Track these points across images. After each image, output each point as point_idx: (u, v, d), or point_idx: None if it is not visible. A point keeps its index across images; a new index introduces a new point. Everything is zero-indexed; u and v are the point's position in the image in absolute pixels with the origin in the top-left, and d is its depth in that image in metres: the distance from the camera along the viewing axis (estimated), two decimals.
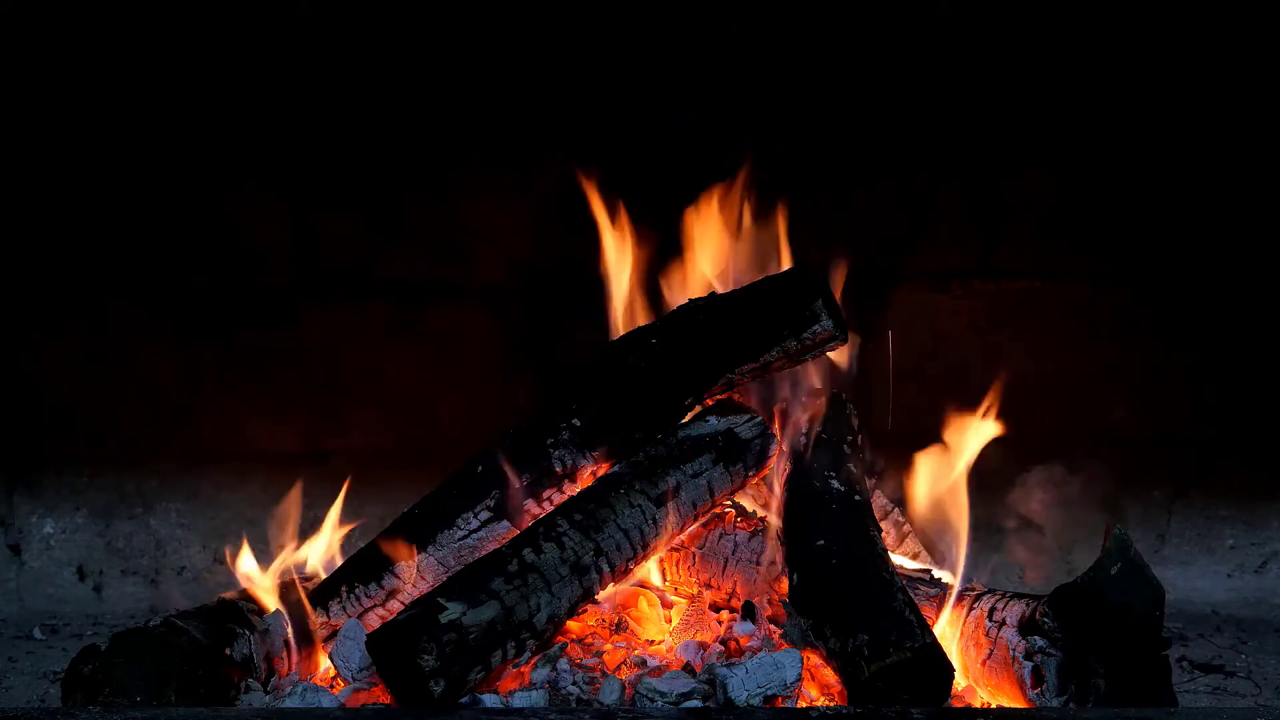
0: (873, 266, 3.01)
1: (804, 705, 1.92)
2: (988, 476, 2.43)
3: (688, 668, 2.03)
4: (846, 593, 1.97)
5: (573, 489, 2.25)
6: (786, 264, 2.41)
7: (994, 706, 1.99)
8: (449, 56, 2.96)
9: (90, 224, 2.99)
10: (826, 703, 1.98)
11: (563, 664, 2.01)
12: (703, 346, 2.25)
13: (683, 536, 2.27)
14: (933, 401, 2.48)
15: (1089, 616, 1.87)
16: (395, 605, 2.19)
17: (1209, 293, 3.03)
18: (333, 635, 2.18)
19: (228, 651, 2.02)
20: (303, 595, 2.20)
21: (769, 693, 1.90)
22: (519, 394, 2.82)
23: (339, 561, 2.35)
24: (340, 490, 2.44)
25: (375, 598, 2.22)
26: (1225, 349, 3.05)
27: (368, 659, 1.98)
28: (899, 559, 2.37)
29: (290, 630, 2.15)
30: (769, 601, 2.23)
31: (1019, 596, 2.05)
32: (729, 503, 2.32)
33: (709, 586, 2.31)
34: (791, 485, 2.26)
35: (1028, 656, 1.92)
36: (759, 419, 2.29)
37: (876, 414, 2.65)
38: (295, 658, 2.16)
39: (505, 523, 2.22)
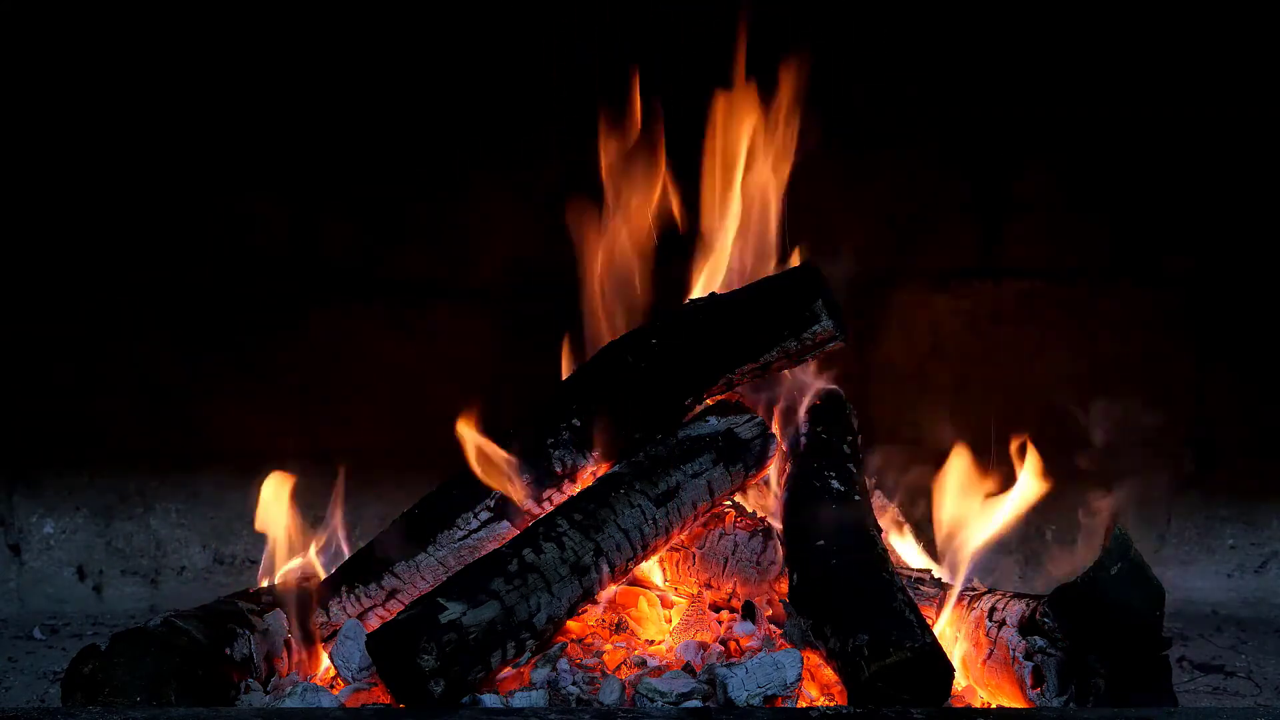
0: (873, 266, 3.01)
1: (804, 705, 1.92)
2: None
3: (688, 668, 2.03)
4: (846, 592, 1.97)
5: (573, 489, 2.25)
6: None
7: (994, 706, 1.99)
8: (449, 58, 2.96)
9: (92, 224, 2.99)
10: (826, 703, 1.98)
11: (563, 664, 2.02)
12: (703, 347, 2.25)
13: (683, 536, 2.26)
14: (933, 401, 2.49)
15: (1089, 616, 1.87)
16: (395, 605, 2.19)
17: (1209, 292, 3.03)
18: (333, 635, 2.18)
19: (228, 651, 2.02)
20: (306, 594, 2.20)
21: (769, 693, 1.90)
22: (519, 394, 2.82)
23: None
24: (334, 492, 2.43)
25: (375, 598, 2.22)
26: (1225, 349, 3.05)
27: (368, 659, 1.98)
28: (901, 550, 2.37)
29: (290, 630, 2.15)
30: (769, 601, 2.23)
31: (1019, 596, 2.06)
32: (729, 503, 2.32)
33: (709, 586, 2.31)
34: (791, 485, 2.26)
35: (1028, 656, 1.92)
36: (759, 419, 2.29)
37: (876, 414, 2.65)
38: (295, 658, 2.16)
39: (505, 523, 2.22)
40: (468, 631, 1.89)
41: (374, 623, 2.15)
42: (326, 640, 2.20)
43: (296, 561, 2.32)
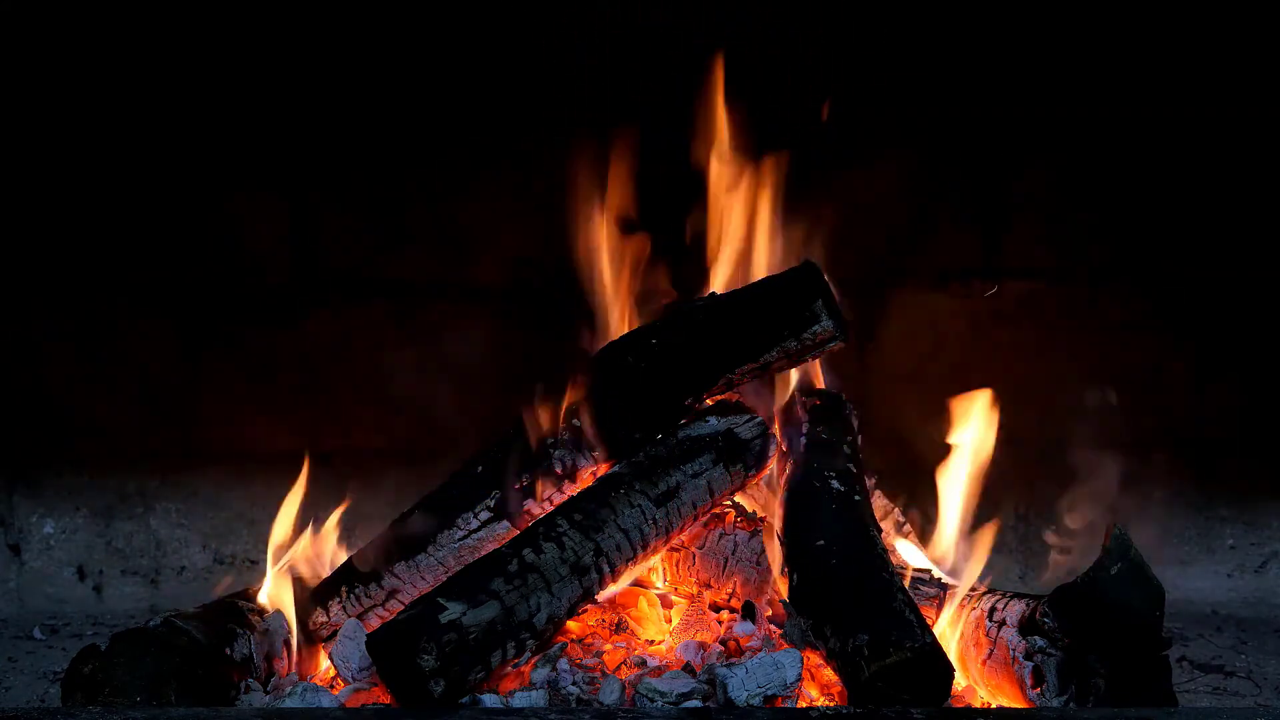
0: (873, 266, 3.01)
1: (804, 705, 1.92)
2: (988, 477, 2.43)
3: (688, 668, 2.03)
4: (846, 592, 1.97)
5: (573, 489, 2.25)
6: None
7: (994, 706, 1.99)
8: (448, 57, 2.96)
9: (91, 224, 2.99)
10: (826, 703, 1.98)
11: (563, 664, 2.02)
12: (703, 347, 2.25)
13: (683, 536, 2.26)
14: (932, 401, 2.49)
15: (1089, 616, 1.87)
16: (395, 605, 2.19)
17: (1209, 293, 3.03)
18: (333, 635, 2.18)
19: (228, 651, 2.02)
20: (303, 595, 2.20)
21: (769, 693, 1.90)
22: (519, 393, 2.82)
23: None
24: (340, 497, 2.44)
25: (375, 598, 2.22)
26: (1225, 349, 3.05)
27: (368, 659, 1.98)
28: (901, 550, 2.37)
29: (290, 630, 2.15)
30: (769, 601, 2.23)
31: (1019, 596, 2.06)
32: (729, 503, 2.32)
33: (709, 586, 2.31)
34: (791, 485, 2.25)
35: (1028, 656, 1.92)
36: (759, 419, 2.29)
37: (876, 414, 2.65)
38: (295, 658, 2.16)
39: (505, 523, 2.22)
40: (468, 631, 1.89)
41: (374, 623, 2.15)
42: (326, 640, 2.20)
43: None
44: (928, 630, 1.88)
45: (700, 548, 2.30)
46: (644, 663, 2.08)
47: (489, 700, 1.90)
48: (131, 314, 3.02)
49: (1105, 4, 2.93)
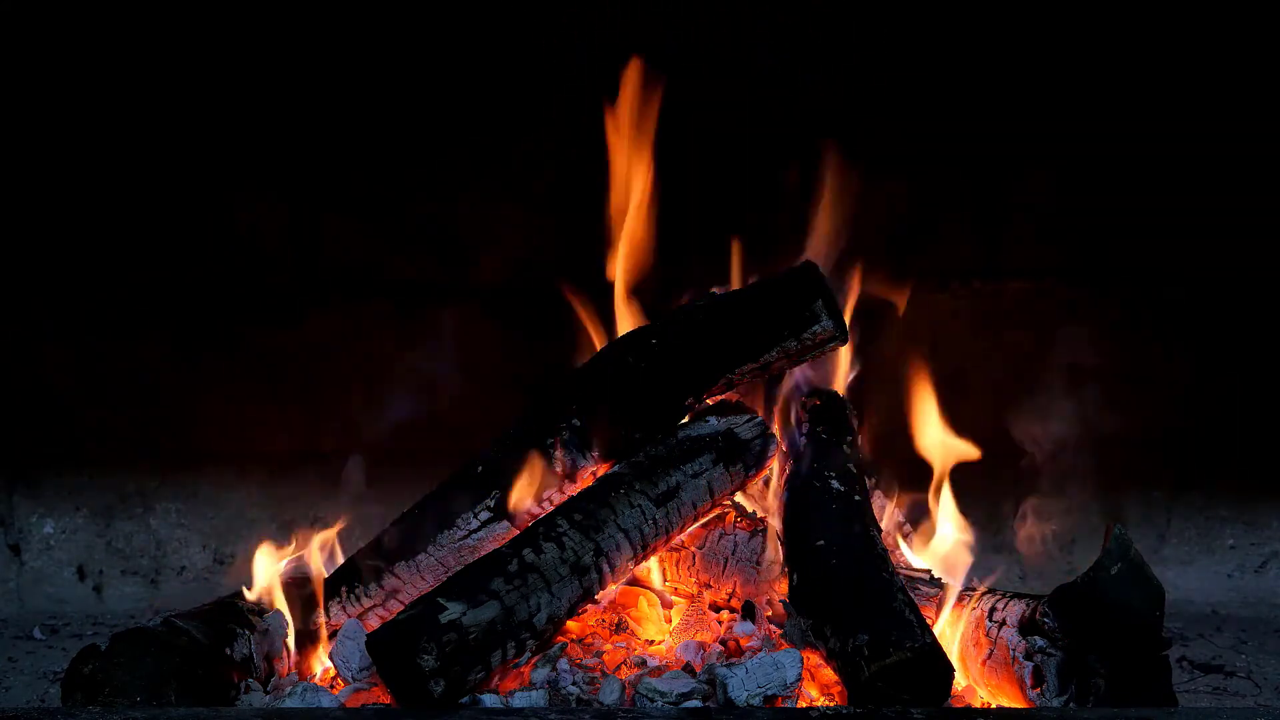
0: (873, 266, 3.01)
1: (804, 705, 1.92)
2: (988, 477, 2.43)
3: (688, 668, 2.03)
4: (846, 592, 1.97)
5: (573, 489, 2.25)
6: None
7: (994, 706, 1.99)
8: (449, 57, 2.96)
9: (91, 224, 2.99)
10: (826, 703, 1.98)
11: (563, 664, 2.02)
12: (702, 347, 2.25)
13: (683, 536, 2.26)
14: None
15: (1089, 616, 1.87)
16: (395, 605, 2.19)
17: (1209, 293, 3.03)
18: (333, 635, 2.18)
19: (228, 651, 2.02)
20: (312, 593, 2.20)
21: (769, 693, 1.90)
22: (519, 394, 2.82)
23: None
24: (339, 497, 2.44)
25: (375, 598, 2.22)
26: (1225, 348, 3.05)
27: (368, 659, 1.98)
28: (901, 550, 2.37)
29: (290, 630, 2.16)
30: (769, 601, 2.23)
31: (1019, 596, 2.06)
32: (729, 503, 2.32)
33: (709, 586, 2.31)
34: (791, 485, 2.26)
35: (1028, 656, 1.92)
36: (759, 419, 2.29)
37: (876, 414, 2.65)
38: (295, 658, 2.16)
39: (505, 523, 2.22)
40: (468, 631, 1.89)
41: (374, 623, 2.15)
42: (326, 640, 2.20)
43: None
44: (928, 630, 1.88)
45: (700, 548, 2.30)
46: (644, 663, 2.08)
47: (489, 700, 1.91)
48: (132, 314, 3.01)
49: (1102, 19, 2.93)
